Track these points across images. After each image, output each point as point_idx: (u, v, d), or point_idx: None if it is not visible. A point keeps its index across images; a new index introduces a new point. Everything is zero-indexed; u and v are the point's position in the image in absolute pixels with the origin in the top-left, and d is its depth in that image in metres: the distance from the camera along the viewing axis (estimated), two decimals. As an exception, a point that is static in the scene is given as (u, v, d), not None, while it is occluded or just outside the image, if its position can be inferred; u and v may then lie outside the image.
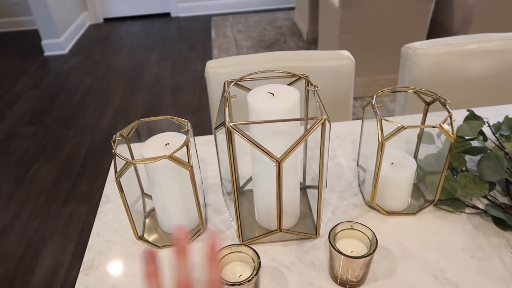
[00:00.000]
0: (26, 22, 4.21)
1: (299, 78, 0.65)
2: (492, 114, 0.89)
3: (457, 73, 1.17)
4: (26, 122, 2.70)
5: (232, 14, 4.40)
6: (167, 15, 4.48)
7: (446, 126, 0.61)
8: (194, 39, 3.85)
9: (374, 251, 0.55)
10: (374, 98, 0.67)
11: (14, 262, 1.75)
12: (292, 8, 4.35)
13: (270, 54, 1.17)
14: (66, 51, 3.69)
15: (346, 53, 1.15)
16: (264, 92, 0.59)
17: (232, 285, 0.52)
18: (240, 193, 0.77)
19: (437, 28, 2.80)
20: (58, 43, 3.61)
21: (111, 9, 4.35)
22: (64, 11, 3.72)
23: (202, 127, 2.51)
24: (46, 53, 3.65)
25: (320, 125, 0.54)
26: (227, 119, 0.54)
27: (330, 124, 0.58)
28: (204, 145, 0.91)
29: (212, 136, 0.92)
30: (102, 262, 0.65)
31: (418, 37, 2.51)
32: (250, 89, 0.63)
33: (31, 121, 2.71)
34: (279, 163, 0.54)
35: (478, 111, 0.83)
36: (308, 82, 0.63)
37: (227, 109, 0.57)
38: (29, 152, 2.42)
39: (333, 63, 1.14)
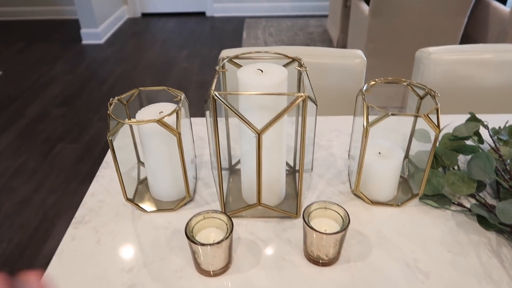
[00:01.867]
0: (68, 11, 4.42)
1: (293, 60, 0.67)
2: (497, 121, 0.87)
3: (470, 82, 1.15)
4: (57, 104, 2.83)
5: (266, 17, 4.46)
6: (202, 14, 4.59)
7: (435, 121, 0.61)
8: (225, 39, 3.92)
9: (346, 228, 0.56)
10: (365, 86, 0.68)
11: (29, 232, 1.84)
12: (325, 16, 4.36)
13: (284, 47, 1.19)
14: (102, 41, 3.84)
15: (359, 52, 1.16)
16: (254, 68, 0.61)
17: (203, 245, 0.55)
18: (231, 172, 0.80)
19: (469, 43, 2.74)
20: (96, 33, 3.77)
21: (149, 4, 4.50)
22: (104, 3, 3.89)
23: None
24: (84, 42, 3.81)
25: (302, 102, 0.56)
26: (213, 88, 0.57)
27: (316, 105, 0.60)
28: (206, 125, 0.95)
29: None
30: (91, 219, 0.69)
31: (447, 50, 2.46)
32: (246, 68, 0.66)
33: (61, 103, 2.84)
34: (259, 135, 0.56)
35: (483, 117, 0.82)
36: (299, 63, 0.65)
37: (215, 80, 0.59)
38: (56, 132, 2.53)
39: (345, 61, 1.15)
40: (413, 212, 0.70)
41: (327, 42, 3.75)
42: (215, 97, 0.56)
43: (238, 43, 3.81)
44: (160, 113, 0.66)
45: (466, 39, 2.67)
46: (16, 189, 2.08)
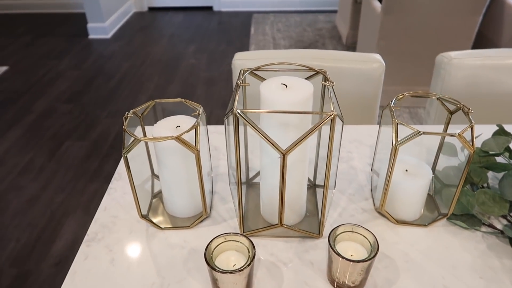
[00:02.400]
0: (74, 5, 4.38)
1: (317, 73, 0.63)
2: (525, 132, 0.84)
3: (493, 88, 1.11)
4: (64, 100, 2.81)
5: (274, 12, 4.40)
6: (209, 8, 4.54)
7: (467, 137, 0.58)
8: (233, 34, 3.88)
9: (374, 256, 0.53)
10: (393, 101, 0.65)
11: (37, 232, 1.83)
12: (335, 11, 4.30)
13: (299, 51, 1.16)
14: (109, 35, 3.81)
15: (377, 56, 1.12)
16: (277, 83, 0.58)
17: (223, 272, 0.52)
18: (249, 186, 0.77)
19: (483, 43, 2.68)
20: (102, 28, 3.74)
21: (156, -2, 4.46)
22: (111, -3, 3.85)
23: (230, 121, 2.52)
24: (91, 36, 3.78)
25: (330, 121, 0.52)
26: (235, 105, 0.54)
27: (342, 121, 0.57)
28: (222, 134, 0.92)
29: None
30: (104, 236, 0.66)
31: (461, 49, 2.41)
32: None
33: (69, 99, 2.82)
34: (284, 155, 0.53)
35: (510, 127, 0.78)
36: (325, 77, 0.61)
37: (237, 95, 0.56)
38: (64, 128, 2.51)
39: (363, 65, 1.11)
40: (441, 233, 0.66)
41: (336, 38, 3.70)
42: (238, 115, 0.53)
43: (246, 39, 3.76)
44: (177, 127, 0.63)
45: (480, 38, 2.61)
46: (24, 187, 2.07)
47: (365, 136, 0.90)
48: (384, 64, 1.10)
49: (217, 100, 2.78)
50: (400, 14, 2.31)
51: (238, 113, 0.53)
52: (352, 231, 0.57)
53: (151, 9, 4.51)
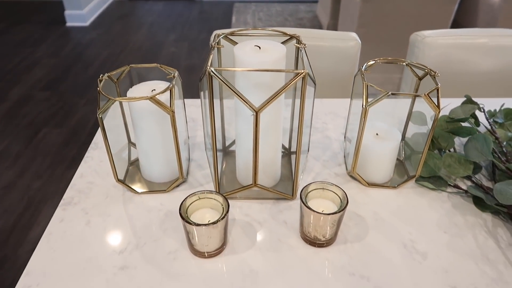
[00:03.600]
0: (51, -8, 4.28)
1: (290, 37, 0.65)
2: (492, 105, 0.87)
3: (465, 66, 1.15)
4: (41, 88, 2.75)
5: (255, 2, 4.39)
6: (190, -2, 4.50)
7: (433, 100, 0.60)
8: (214, 24, 3.86)
9: (344, 208, 0.55)
10: (364, 66, 0.67)
11: (14, 218, 1.80)
12: (315, 1, 4.32)
13: (277, 29, 1.17)
14: (87, 23, 3.74)
15: (353, 34, 1.14)
16: (251, 45, 0.59)
17: (198, 225, 0.53)
18: (225, 154, 0.78)
19: (459, 31, 2.74)
20: (80, 15, 3.66)
21: (136, -13, 4.39)
22: (89, -16, 3.77)
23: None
24: (68, 24, 3.70)
25: (301, 80, 0.54)
26: (209, 64, 0.55)
27: (314, 83, 0.58)
28: (199, 107, 0.92)
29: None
30: (80, 200, 0.67)
31: (437, 37, 2.47)
32: (241, 45, 0.63)
33: (46, 86, 2.76)
34: (257, 113, 0.55)
35: (478, 100, 0.81)
36: (298, 41, 0.63)
37: (211, 56, 0.57)
38: (41, 116, 2.47)
39: (339, 43, 1.13)
40: (410, 194, 0.69)
41: (317, 27, 3.72)
42: (212, 73, 0.54)
43: (227, 28, 3.75)
44: (152, 91, 0.63)
45: (455, 26, 2.67)
46: (-1, 174, 2.03)
47: (340, 109, 0.92)
48: (360, 42, 1.13)
49: (198, 88, 2.77)
50: (378, 2, 2.35)
51: (212, 71, 0.54)
52: (323, 189, 0.59)
53: (131, -3, 4.44)
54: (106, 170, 0.73)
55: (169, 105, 0.59)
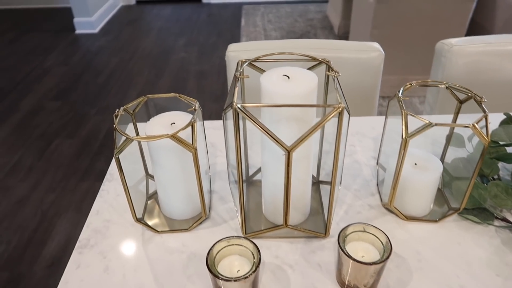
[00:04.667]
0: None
1: (320, 62, 0.59)
2: (532, 121, 0.81)
3: (495, 75, 1.08)
4: (52, 97, 2.74)
5: (264, 3, 4.34)
6: (198, 0, 4.46)
7: (480, 128, 0.55)
8: (223, 27, 3.81)
9: (387, 258, 0.50)
10: (401, 90, 0.61)
11: (28, 233, 1.77)
12: (325, 1, 4.25)
13: (295, 41, 1.12)
14: (96, 30, 3.72)
15: (376, 45, 1.08)
16: (279, 74, 0.54)
17: (227, 280, 0.48)
18: (249, 183, 0.73)
19: (476, 30, 2.65)
20: (89, 22, 3.65)
21: (143, -9, 4.36)
22: (97, -10, 3.75)
23: (223, 115, 2.48)
24: (77, 31, 3.69)
25: (337, 114, 0.48)
26: (235, 99, 0.50)
27: (349, 114, 0.53)
28: (217, 129, 0.87)
29: (226, 122, 0.88)
30: (97, 241, 0.62)
31: (455, 37, 2.38)
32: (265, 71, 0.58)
33: (56, 96, 2.75)
34: (289, 152, 0.49)
35: (516, 115, 0.75)
36: (329, 67, 0.58)
37: (236, 89, 0.52)
38: (52, 127, 2.45)
39: (361, 55, 1.07)
40: (452, 228, 0.63)
41: (328, 28, 3.65)
42: (239, 110, 0.48)
43: (236, 31, 3.70)
44: (172, 124, 0.58)
45: (473, 25, 2.59)
46: (13, 187, 2.01)
47: (367, 128, 0.87)
48: (383, 53, 1.07)
49: (209, 93, 2.73)
50: (393, 2, 2.28)
51: (239, 107, 0.49)
52: (363, 231, 0.54)
53: (139, 2, 4.42)
54: (123, 205, 0.69)
55: (191, 142, 0.55)
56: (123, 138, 0.54)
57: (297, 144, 0.49)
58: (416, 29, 2.37)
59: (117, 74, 3.00)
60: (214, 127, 0.88)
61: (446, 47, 1.08)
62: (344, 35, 3.43)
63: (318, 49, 1.09)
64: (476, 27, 2.65)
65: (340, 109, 0.48)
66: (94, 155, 2.22)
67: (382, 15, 2.32)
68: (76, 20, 3.63)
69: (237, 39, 3.52)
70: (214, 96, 2.70)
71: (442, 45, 1.09)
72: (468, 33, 2.50)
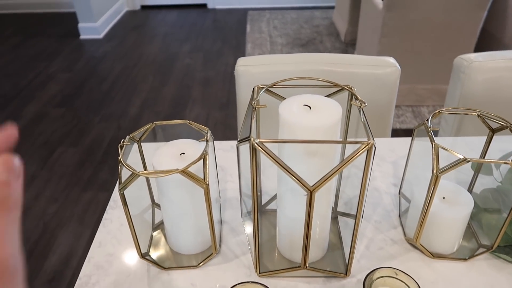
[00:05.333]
0: (64, 4, 4.25)
1: (342, 89, 0.55)
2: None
3: (518, 92, 1.03)
4: (55, 104, 2.70)
5: (269, 9, 4.30)
6: (203, 6, 4.43)
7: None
8: (228, 33, 3.77)
9: (418, 309, 0.45)
10: (430, 119, 0.57)
11: (29, 245, 1.73)
12: (332, 7, 4.20)
13: (306, 55, 1.07)
14: (101, 35, 3.69)
15: (391, 60, 1.03)
16: (299, 103, 0.49)
17: (242, 333, 0.44)
18: (261, 213, 0.68)
19: (487, 39, 2.60)
20: (94, 27, 3.62)
21: (149, -4, 4.34)
22: (102, -5, 3.73)
23: (229, 124, 2.44)
24: (82, 37, 3.66)
25: (366, 151, 0.44)
26: (253, 134, 0.45)
27: (375, 148, 0.49)
28: (227, 151, 0.83)
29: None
30: (99, 279, 0.58)
31: (465, 46, 2.34)
32: (283, 97, 0.54)
33: (60, 103, 2.71)
34: (311, 192, 0.45)
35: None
36: (353, 96, 0.53)
37: (253, 121, 0.48)
38: (56, 135, 2.41)
39: (376, 70, 1.03)
40: (483, 268, 0.59)
41: (334, 35, 3.61)
42: (257, 146, 0.44)
43: (242, 37, 3.66)
44: (181, 155, 0.54)
45: (484, 34, 2.54)
46: (14, 198, 1.96)
47: (386, 151, 0.82)
48: (399, 68, 1.02)
49: (215, 101, 2.69)
50: (402, 10, 2.23)
51: (256, 143, 0.44)
52: (392, 277, 0.49)
53: (144, 7, 4.40)
54: (128, 237, 0.64)
55: (202, 177, 0.50)
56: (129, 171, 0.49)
57: (320, 184, 0.44)
58: (426, 37, 2.32)
59: (122, 81, 2.97)
60: (223, 148, 0.84)
61: (465, 62, 1.03)
62: (351, 42, 3.39)
63: (331, 63, 1.05)
64: (486, 36, 2.60)
65: (369, 146, 0.43)
66: (98, 163, 2.18)
67: (391, 24, 2.28)
68: (80, 25, 3.61)
69: (242, 46, 3.48)
70: (219, 104, 2.66)
71: (461, 60, 1.05)
72: (479, 42, 2.45)
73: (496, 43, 2.57)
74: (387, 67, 1.03)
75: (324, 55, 1.08)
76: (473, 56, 1.04)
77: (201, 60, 3.25)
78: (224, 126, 2.42)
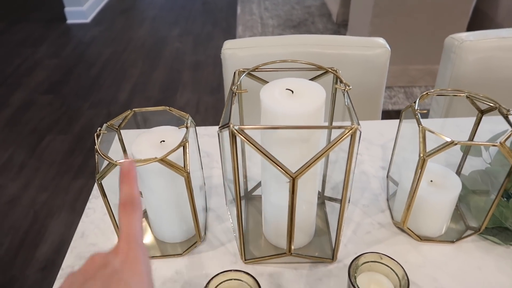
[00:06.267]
0: (50, -13, 4.14)
1: (326, 71, 0.53)
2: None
3: (509, 71, 1.02)
4: (43, 91, 2.65)
5: (260, -10, 4.21)
6: (193, -12, 4.33)
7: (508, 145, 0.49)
8: (218, 15, 3.71)
9: (404, 294, 0.45)
10: (417, 102, 0.55)
11: (20, 235, 1.72)
12: (324, -12, 4.13)
13: (295, 37, 1.05)
14: (88, 20, 3.61)
15: (381, 40, 1.01)
16: (281, 88, 0.47)
17: (225, 323, 0.43)
18: (248, 199, 0.67)
19: (479, 18, 2.58)
20: (81, 11, 3.53)
21: (136, -22, 4.22)
22: (88, -22, 3.63)
23: (220, 109, 2.41)
24: (69, 21, 3.58)
25: (350, 136, 0.42)
26: (233, 120, 0.43)
27: (361, 132, 0.47)
28: (213, 137, 0.81)
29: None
30: (82, 271, 0.57)
31: (457, 26, 2.31)
32: (266, 81, 0.52)
33: (48, 90, 2.66)
34: (293, 179, 0.44)
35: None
36: (337, 79, 0.51)
37: (233, 106, 0.46)
38: (44, 122, 2.37)
39: (366, 51, 1.00)
40: (471, 250, 0.58)
41: (326, 16, 3.56)
42: (236, 132, 0.42)
43: (232, 19, 3.60)
44: (161, 142, 0.52)
45: (476, 13, 2.51)
46: (4, 186, 1.94)
47: (374, 134, 0.81)
48: (389, 49, 1.00)
49: (205, 85, 2.65)
50: (394, -11, 2.20)
51: (235, 130, 0.42)
52: (377, 261, 0.48)
53: (132, -10, 4.29)
54: (110, 226, 0.63)
55: (182, 165, 0.48)
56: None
57: (303, 171, 0.43)
58: (418, 17, 2.29)
59: (111, 66, 2.91)
60: (209, 134, 0.82)
61: (456, 42, 1.01)
62: (342, 23, 3.34)
63: (320, 45, 1.02)
64: (479, 15, 2.57)
65: (353, 130, 0.42)
66: (88, 151, 2.15)
67: (382, 4, 2.24)
68: (67, 9, 3.52)
69: (233, 28, 3.42)
70: (209, 88, 2.62)
71: (452, 40, 1.03)
72: (471, 21, 2.42)
73: (488, 22, 2.55)
74: (377, 48, 1.01)
75: (313, 37, 1.06)
76: (464, 35, 1.02)
77: (191, 43, 3.20)
78: (215, 111, 2.39)
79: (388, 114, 2.31)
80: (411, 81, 2.53)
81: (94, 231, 0.62)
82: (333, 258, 0.56)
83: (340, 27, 3.33)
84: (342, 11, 3.30)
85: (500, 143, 0.48)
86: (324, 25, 3.40)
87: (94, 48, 3.16)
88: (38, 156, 2.13)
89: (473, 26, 2.45)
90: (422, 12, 2.26)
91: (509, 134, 0.49)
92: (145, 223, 0.63)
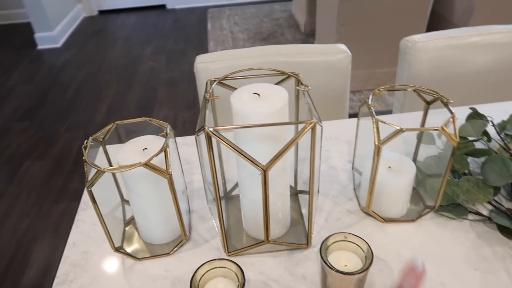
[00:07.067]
0: (18, 14, 4.13)
1: (289, 76, 0.60)
2: (496, 112, 0.84)
3: (459, 68, 1.12)
4: (18, 118, 2.64)
5: (229, 5, 4.32)
6: (162, 7, 4.40)
7: (449, 129, 0.56)
8: (190, 32, 3.78)
9: (369, 266, 0.51)
10: (370, 97, 0.62)
11: (4, 263, 1.71)
12: (290, 0, 4.27)
13: (263, 48, 1.11)
14: (59, 44, 3.62)
15: (343, 46, 1.09)
16: (249, 92, 0.53)
17: (213, 305, 0.48)
18: (227, 199, 0.73)
19: (437, 20, 2.73)
20: (51, 36, 3.54)
21: (106, 1, 4.27)
22: (57, 3, 3.64)
23: (196, 122, 2.45)
24: (39, 47, 3.58)
25: (310, 129, 0.49)
26: (207, 123, 0.49)
27: (322, 126, 0.53)
28: (191, 146, 0.87)
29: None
30: (76, 276, 0.61)
31: (417, 29, 2.45)
32: (236, 88, 0.58)
33: (23, 116, 2.65)
34: (264, 171, 0.49)
35: (481, 108, 0.78)
36: (298, 81, 0.58)
37: (207, 111, 0.52)
38: (21, 148, 2.37)
39: (329, 57, 1.08)
40: (430, 226, 0.65)
41: (294, 27, 3.68)
42: (211, 133, 0.48)
43: (203, 35, 3.67)
44: (144, 150, 0.57)
45: (433, 15, 2.66)
46: (-16, 216, 1.93)
47: (340, 132, 0.88)
48: (350, 54, 1.08)
49: (181, 101, 2.70)
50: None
51: (210, 131, 0.48)
52: (344, 240, 0.54)
53: (102, 12, 4.32)
54: (101, 234, 0.67)
55: (165, 168, 0.54)
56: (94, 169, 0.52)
57: (272, 163, 0.49)
58: (380, 23, 2.41)
59: (85, 88, 2.93)
60: (188, 143, 0.87)
61: (409, 44, 1.10)
62: (310, 33, 3.47)
63: (287, 54, 1.10)
64: (437, 18, 2.72)
65: (313, 124, 0.48)
66: (68, 173, 2.16)
67: (346, 12, 2.36)
68: (37, 35, 3.52)
69: (205, 44, 3.49)
70: (186, 103, 2.67)
71: (406, 42, 1.12)
72: (430, 24, 2.57)
73: (445, 23, 2.70)
74: (339, 53, 1.08)
75: (280, 47, 1.13)
76: (417, 37, 1.11)
77: (165, 61, 3.25)
78: (193, 125, 2.44)
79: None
80: (379, 84, 2.65)
81: (85, 240, 0.66)
82: (307, 244, 0.62)
83: (309, 36, 3.45)
84: (310, 21, 3.42)
85: (442, 127, 0.55)
86: (293, 35, 3.51)
87: (67, 72, 3.17)
88: (18, 183, 2.12)
89: (431, 27, 2.60)
90: (384, 18, 2.39)
91: (449, 119, 0.56)
92: (133, 229, 0.68)
